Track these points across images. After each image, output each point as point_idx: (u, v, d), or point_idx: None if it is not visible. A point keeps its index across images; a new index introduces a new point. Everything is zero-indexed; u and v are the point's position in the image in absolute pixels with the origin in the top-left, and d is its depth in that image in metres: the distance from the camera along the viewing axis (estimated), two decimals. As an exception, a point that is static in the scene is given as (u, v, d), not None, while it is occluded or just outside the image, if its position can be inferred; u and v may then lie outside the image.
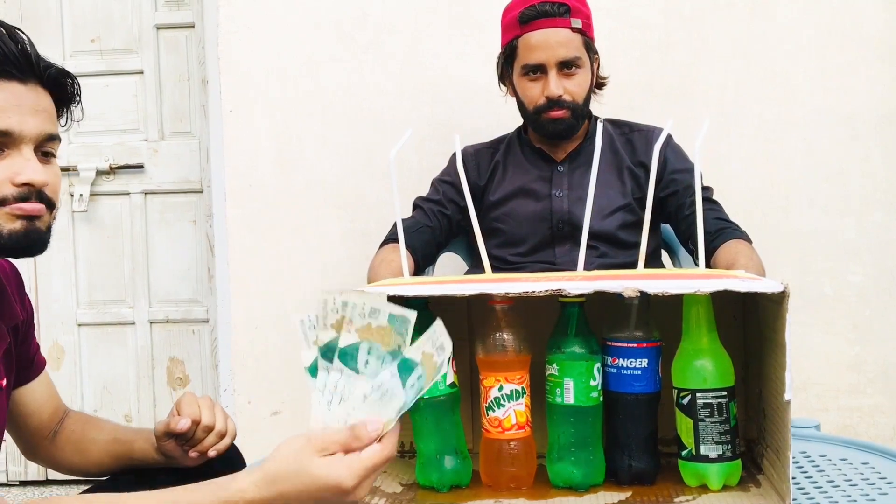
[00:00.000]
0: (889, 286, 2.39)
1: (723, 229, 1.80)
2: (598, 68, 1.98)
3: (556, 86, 1.87)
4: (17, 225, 1.07)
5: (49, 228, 1.12)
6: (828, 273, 2.39)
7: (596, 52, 1.96)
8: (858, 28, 2.37)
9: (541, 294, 0.99)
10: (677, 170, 1.93)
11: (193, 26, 2.70)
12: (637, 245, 1.86)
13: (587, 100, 1.94)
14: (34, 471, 2.80)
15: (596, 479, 1.08)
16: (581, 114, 1.92)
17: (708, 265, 1.73)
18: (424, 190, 2.04)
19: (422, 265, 1.95)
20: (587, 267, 1.24)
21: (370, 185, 2.47)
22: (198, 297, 2.78)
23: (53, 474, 2.81)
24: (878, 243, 2.38)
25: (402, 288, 1.05)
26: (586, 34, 1.90)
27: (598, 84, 1.99)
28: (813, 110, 2.37)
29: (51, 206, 1.11)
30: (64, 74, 1.13)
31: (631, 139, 1.99)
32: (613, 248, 1.93)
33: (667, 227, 2.05)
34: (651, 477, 1.09)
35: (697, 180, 1.17)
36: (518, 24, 1.89)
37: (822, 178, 2.39)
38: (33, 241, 1.09)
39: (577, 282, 1.02)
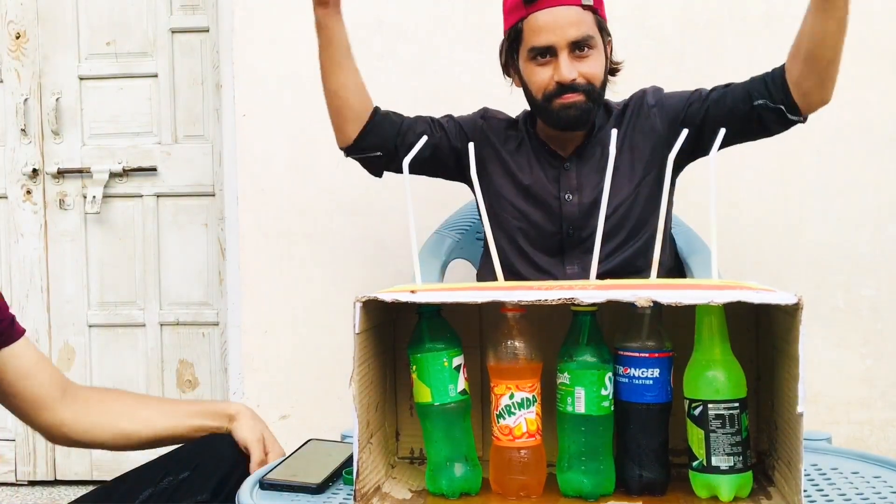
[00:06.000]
0: (901, 300, 2.38)
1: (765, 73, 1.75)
2: (611, 52, 1.81)
3: (569, 69, 1.70)
4: None
5: None
6: (841, 286, 2.38)
7: (609, 34, 1.79)
8: (874, 41, 2.36)
9: (553, 302, 0.99)
10: (686, 102, 1.82)
11: (208, 30, 2.72)
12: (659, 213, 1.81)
13: (604, 84, 1.78)
14: (43, 471, 2.81)
15: (606, 489, 1.07)
16: (597, 99, 1.76)
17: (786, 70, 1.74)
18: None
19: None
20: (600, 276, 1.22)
21: (383, 191, 2.46)
22: (208, 300, 2.78)
23: (62, 474, 2.81)
24: (892, 257, 2.37)
25: (413, 295, 1.04)
26: (598, 12, 1.74)
27: (612, 70, 1.84)
28: (827, 123, 2.36)
29: None
30: None
31: (625, 112, 1.85)
32: (628, 236, 1.80)
33: (682, 234, 2.02)
34: (661, 487, 1.08)
35: (713, 187, 1.17)
36: (523, 3, 1.72)
37: (835, 191, 2.38)
38: None
39: (590, 291, 1.02)
